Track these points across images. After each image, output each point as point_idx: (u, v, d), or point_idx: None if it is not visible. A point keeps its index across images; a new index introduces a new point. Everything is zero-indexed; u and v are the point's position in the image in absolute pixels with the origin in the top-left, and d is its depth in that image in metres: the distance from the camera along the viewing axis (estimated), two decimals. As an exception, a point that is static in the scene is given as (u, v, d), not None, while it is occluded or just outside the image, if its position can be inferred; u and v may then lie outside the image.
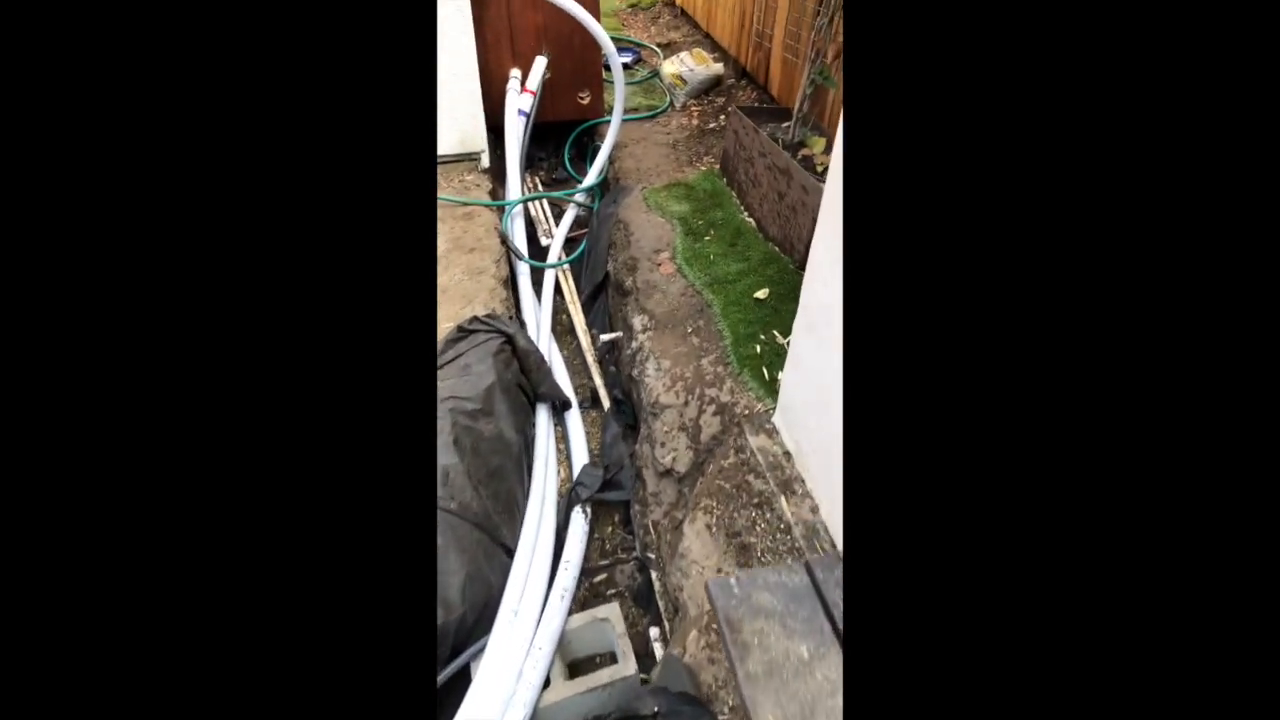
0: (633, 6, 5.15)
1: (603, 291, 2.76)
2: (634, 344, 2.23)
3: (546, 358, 2.40)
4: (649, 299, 2.29)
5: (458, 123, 2.92)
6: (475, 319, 2.13)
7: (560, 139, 3.71)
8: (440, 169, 2.97)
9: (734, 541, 1.49)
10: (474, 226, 2.65)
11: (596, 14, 3.23)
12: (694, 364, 1.98)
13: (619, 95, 2.99)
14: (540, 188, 3.48)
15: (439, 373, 2.02)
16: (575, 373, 2.54)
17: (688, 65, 3.81)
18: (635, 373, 2.17)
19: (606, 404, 2.39)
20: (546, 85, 3.34)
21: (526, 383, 2.22)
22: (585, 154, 3.72)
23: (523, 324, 2.55)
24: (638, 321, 2.26)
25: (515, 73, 3.28)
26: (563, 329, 2.77)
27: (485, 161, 3.02)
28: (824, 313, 1.30)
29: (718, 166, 2.99)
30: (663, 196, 2.78)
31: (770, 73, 3.29)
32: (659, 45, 4.45)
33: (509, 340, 2.15)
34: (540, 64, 3.24)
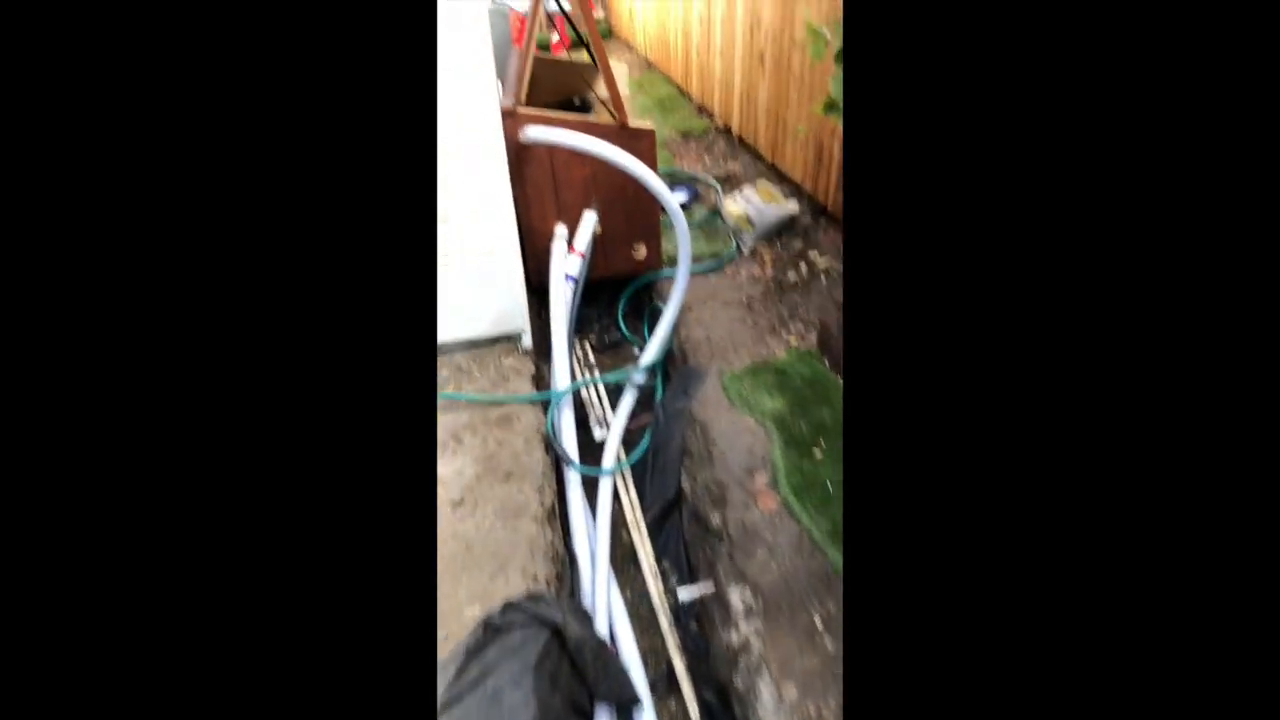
0: (683, 135, 4.85)
1: (674, 510, 2.15)
2: (733, 634, 1.58)
3: (605, 605, 1.77)
4: (748, 557, 1.66)
5: (494, 299, 2.46)
6: (510, 606, 1.54)
7: (613, 295, 3.24)
8: (474, 354, 2.49)
9: None
10: (512, 436, 2.11)
11: (653, 162, 2.82)
12: (834, 691, 1.32)
13: (683, 257, 2.50)
14: (590, 354, 2.97)
15: (456, 701, 1.41)
16: (642, 628, 1.90)
17: (754, 203, 3.36)
18: (739, 683, 1.51)
19: (692, 705, 1.72)
20: (597, 240, 2.90)
21: (580, 687, 1.59)
22: (641, 311, 3.23)
23: (573, 559, 1.95)
24: (736, 596, 1.62)
25: (561, 230, 2.85)
26: (623, 552, 2.16)
27: (527, 341, 2.53)
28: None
29: (813, 339, 2.43)
30: (748, 385, 2.22)
31: (861, 216, 2.78)
32: (717, 179, 4.05)
33: (557, 632, 1.55)
34: (589, 220, 2.81)
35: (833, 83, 1.70)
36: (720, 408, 2.15)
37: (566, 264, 2.70)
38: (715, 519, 1.84)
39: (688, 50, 5.20)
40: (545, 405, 2.33)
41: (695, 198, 3.91)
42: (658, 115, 5.34)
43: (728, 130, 4.54)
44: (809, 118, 3.14)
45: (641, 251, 3.05)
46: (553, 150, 2.69)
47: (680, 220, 2.42)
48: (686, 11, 5.05)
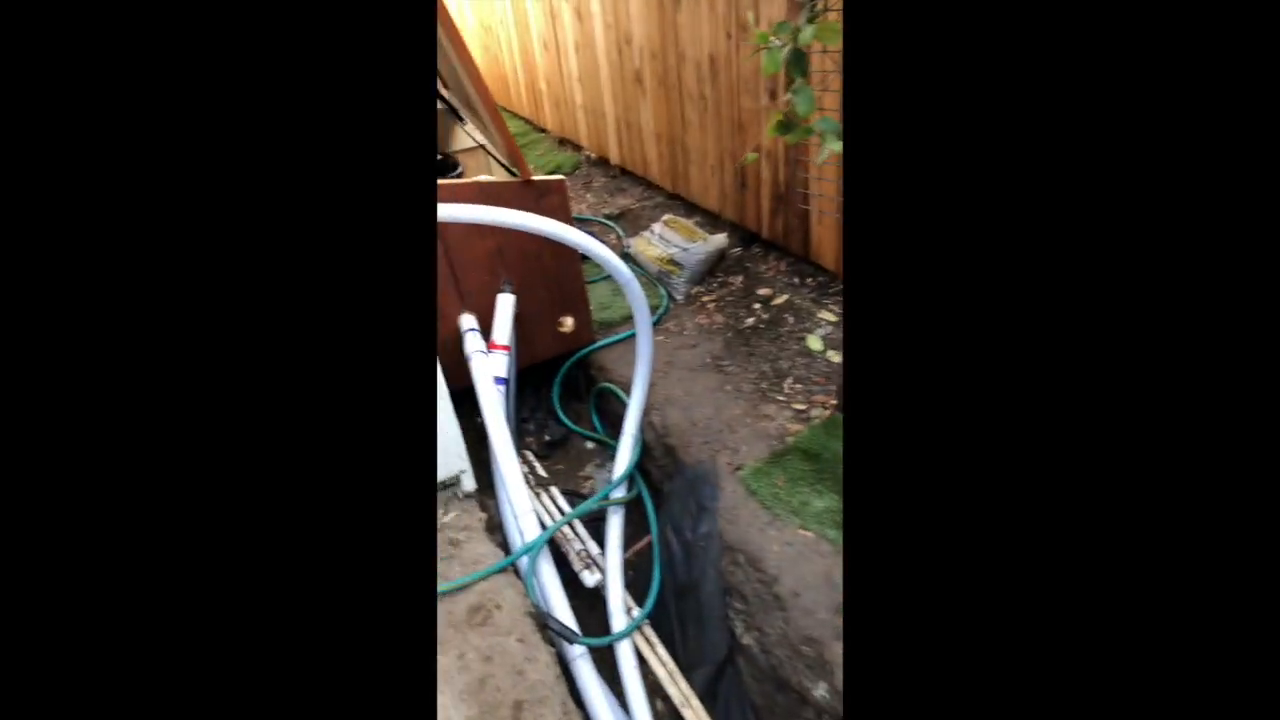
0: (550, 173, 4.35)
1: (730, 666, 1.66)
2: None
3: None
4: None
5: (414, 440, 1.82)
6: None
7: (540, 384, 2.67)
8: (400, 520, 1.83)
9: None
10: (500, 639, 1.50)
11: (568, 219, 2.31)
12: None
13: (641, 322, 2.00)
14: (535, 465, 2.38)
15: None
16: None
17: (672, 241, 2.94)
18: None
19: None
20: (517, 325, 2.34)
21: None
22: (579, 393, 2.69)
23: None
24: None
25: (469, 321, 2.26)
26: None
27: (469, 483, 1.91)
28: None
29: (824, 398, 2.04)
30: (779, 481, 1.77)
31: (815, 237, 2.45)
32: (610, 218, 3.60)
33: None
34: (506, 304, 2.24)
35: (796, 98, 1.32)
36: (756, 520, 1.69)
37: (490, 364, 2.12)
38: (820, 689, 1.36)
39: (532, 80, 4.72)
40: (516, 568, 1.75)
41: (594, 244, 3.43)
42: (513, 155, 4.80)
43: (603, 161, 4.10)
44: (735, 142, 2.77)
45: (568, 324, 2.52)
46: (444, 227, 2.09)
47: (632, 283, 1.93)
48: (523, 39, 4.57)
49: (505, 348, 2.19)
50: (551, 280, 2.39)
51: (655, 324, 2.70)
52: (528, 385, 2.67)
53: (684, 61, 2.84)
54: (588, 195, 3.95)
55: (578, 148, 4.42)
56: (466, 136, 3.09)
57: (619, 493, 2.03)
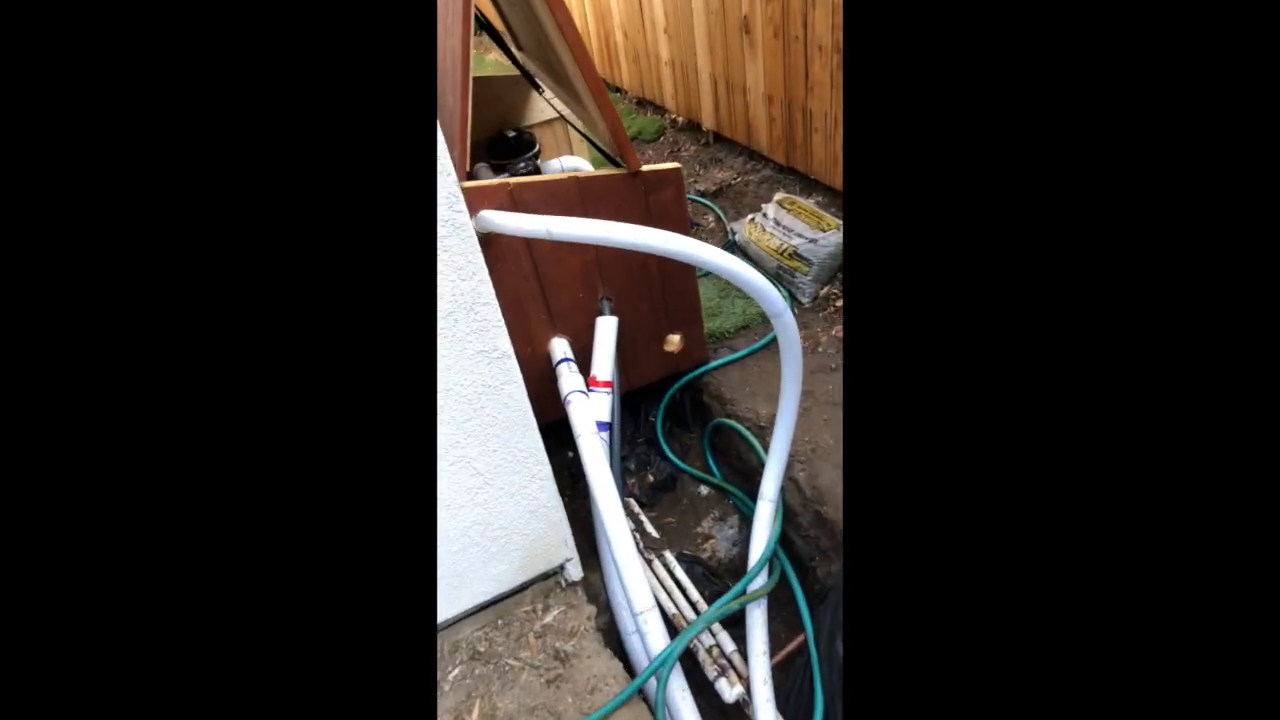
0: (631, 140, 3.86)
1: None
2: None
3: None
4: None
5: (517, 523, 1.43)
6: None
7: (639, 408, 2.25)
8: (490, 626, 1.45)
9: None
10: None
11: (683, 214, 1.84)
12: None
13: (791, 360, 1.53)
14: (643, 520, 1.98)
15: None
16: None
17: (793, 229, 2.43)
18: None
19: None
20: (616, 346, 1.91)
21: None
22: (685, 418, 2.26)
23: None
24: None
25: (561, 348, 1.84)
26: None
27: (575, 571, 1.52)
28: None
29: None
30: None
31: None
32: (708, 198, 3.09)
33: None
34: (609, 329, 1.80)
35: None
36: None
37: (592, 407, 1.70)
38: None
39: (605, 31, 4.18)
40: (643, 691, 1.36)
41: (690, 229, 2.94)
42: (585, 119, 4.31)
43: (693, 126, 3.57)
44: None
45: (675, 342, 2.07)
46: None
47: (785, 314, 1.45)
48: (596, -17, 4.02)
49: (607, 384, 1.77)
50: (658, 290, 1.94)
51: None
52: (625, 411, 2.26)
53: (813, 4, 2.28)
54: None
55: (661, 110, 3.89)
56: (544, 106, 2.62)
57: (759, 580, 1.60)
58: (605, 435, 1.74)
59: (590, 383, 1.75)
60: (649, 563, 1.84)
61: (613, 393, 1.77)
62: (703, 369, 2.16)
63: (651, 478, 2.13)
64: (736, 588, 1.54)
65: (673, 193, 1.76)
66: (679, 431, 2.28)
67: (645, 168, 1.70)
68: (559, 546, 1.45)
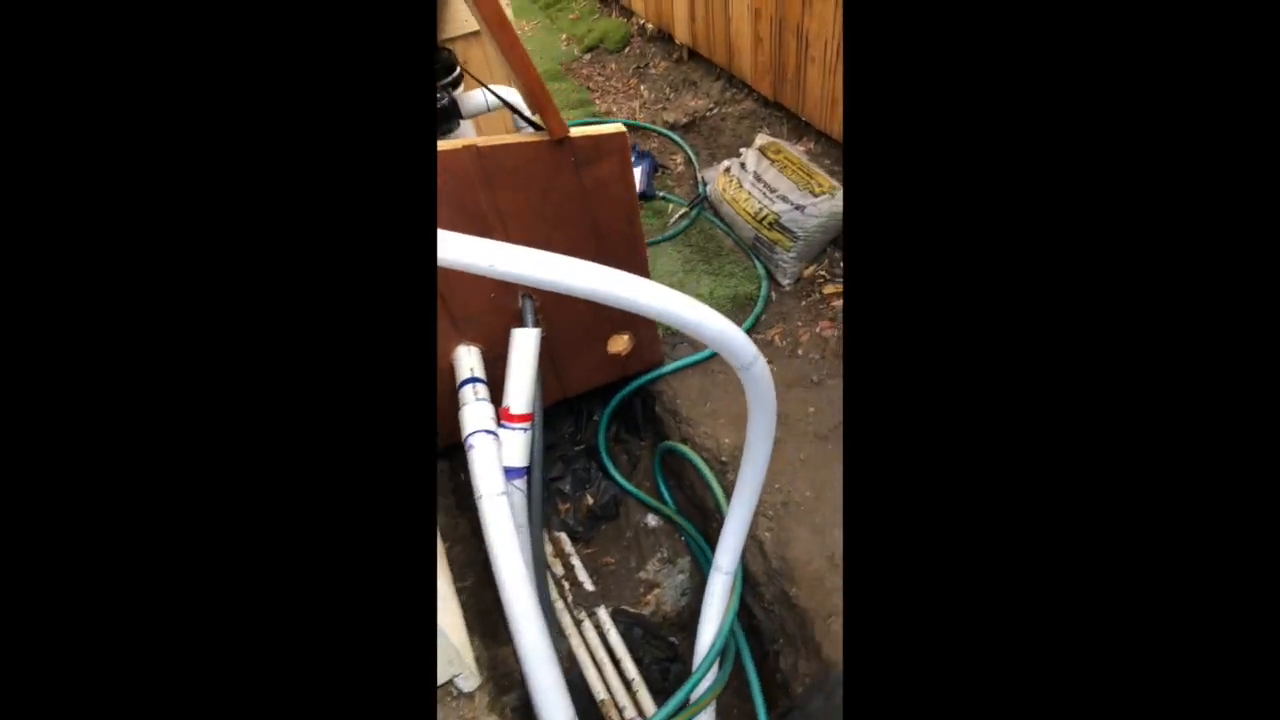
0: (589, 50, 3.23)
1: None
2: None
3: None
4: None
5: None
6: None
7: (582, 414, 1.88)
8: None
9: None
10: None
11: (631, 207, 1.40)
12: None
13: (762, 416, 1.16)
14: (573, 558, 1.65)
15: None
16: None
17: (777, 190, 1.97)
18: None
19: None
20: (546, 348, 1.51)
21: None
22: (636, 424, 1.89)
23: None
24: None
25: (468, 358, 1.44)
26: None
27: (467, 682, 1.18)
28: None
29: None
30: None
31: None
32: (676, 131, 2.59)
33: None
34: (527, 345, 1.39)
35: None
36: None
37: (500, 452, 1.32)
38: None
39: (565, -93, 3.46)
40: None
41: (654, 171, 2.45)
42: (538, 14, 3.65)
43: (664, 37, 2.98)
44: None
45: (623, 342, 1.67)
46: (415, 227, 1.21)
47: (754, 366, 1.06)
48: None
49: (525, 418, 1.38)
50: (599, 285, 1.51)
51: (750, 328, 1.83)
52: (561, 417, 1.88)
53: (818, -113, 1.73)
54: (641, 87, 2.89)
55: (628, 13, 3.26)
56: (469, 14, 2.06)
57: (707, 681, 1.29)
58: (520, 484, 1.38)
59: (503, 415, 1.36)
60: (578, 624, 1.53)
61: (531, 428, 1.39)
62: (656, 373, 1.77)
63: (590, 500, 1.79)
64: (678, 696, 1.23)
65: (614, 165, 1.31)
66: (628, 438, 1.92)
67: (576, 131, 1.24)
68: (445, 664, 1.12)
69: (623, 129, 1.28)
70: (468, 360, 1.47)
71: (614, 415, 1.87)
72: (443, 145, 1.17)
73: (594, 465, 1.84)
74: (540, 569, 1.43)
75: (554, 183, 1.28)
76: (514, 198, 1.27)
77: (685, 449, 1.62)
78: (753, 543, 1.41)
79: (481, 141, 1.19)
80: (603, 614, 1.53)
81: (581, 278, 0.89)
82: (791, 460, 1.48)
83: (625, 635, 1.50)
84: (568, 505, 1.78)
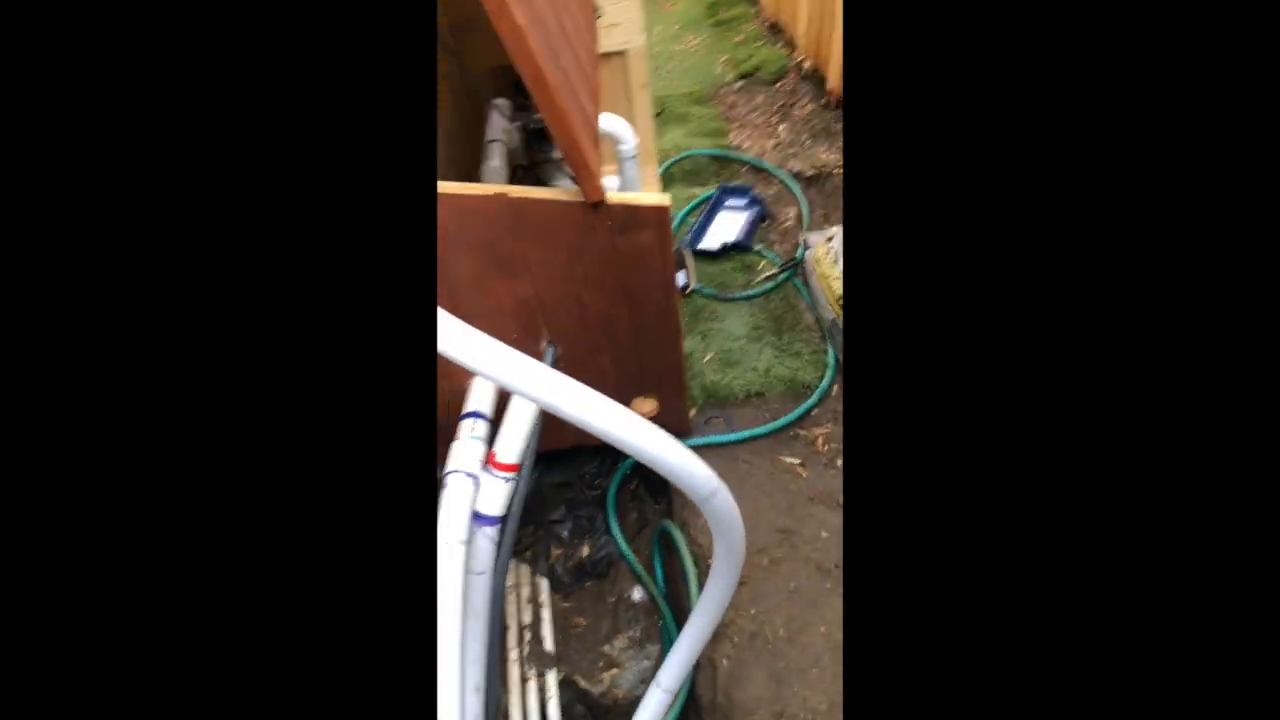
0: (744, 78, 3.13)
1: None
2: None
3: None
4: None
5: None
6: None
7: (604, 463, 1.83)
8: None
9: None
10: None
11: (668, 278, 1.32)
12: None
13: (727, 556, 1.06)
14: (543, 609, 1.61)
15: None
16: None
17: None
18: None
19: None
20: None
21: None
22: (655, 484, 1.81)
23: None
24: None
25: (480, 394, 1.44)
26: None
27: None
28: None
29: None
30: None
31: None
32: (801, 180, 2.44)
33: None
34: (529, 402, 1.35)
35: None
36: None
37: (480, 492, 1.30)
38: None
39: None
40: None
41: (760, 221, 2.33)
42: (707, 30, 3.58)
43: (818, 79, 2.82)
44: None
45: (648, 405, 1.60)
46: (440, 238, 1.22)
47: (714, 499, 0.96)
48: None
49: (512, 468, 1.35)
50: (626, 346, 1.45)
51: (802, 416, 1.68)
52: (585, 457, 1.84)
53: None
54: (780, 127, 2.75)
55: (791, 45, 3.12)
56: (605, 32, 2.04)
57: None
58: (492, 532, 1.35)
59: (490, 459, 1.34)
60: (524, 681, 1.49)
61: (517, 479, 1.35)
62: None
63: (585, 552, 1.74)
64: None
65: (652, 236, 1.23)
66: (645, 497, 1.85)
67: (614, 197, 1.18)
68: None
69: (666, 203, 1.20)
70: (478, 393, 1.47)
71: (637, 469, 1.81)
72: (473, 190, 1.15)
73: (600, 516, 1.78)
74: (496, 618, 1.41)
75: (587, 243, 1.23)
76: (543, 252, 1.24)
77: (677, 535, 1.53)
78: (707, 664, 1.30)
79: (515, 191, 1.16)
80: (551, 679, 1.49)
81: (548, 393, 0.86)
82: (780, 588, 1.35)
83: (566, 710, 1.45)
84: (560, 552, 1.74)
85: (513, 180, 1.94)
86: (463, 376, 1.48)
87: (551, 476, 1.84)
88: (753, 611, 1.31)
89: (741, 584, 1.36)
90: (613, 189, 2.18)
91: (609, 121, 1.87)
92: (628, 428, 0.90)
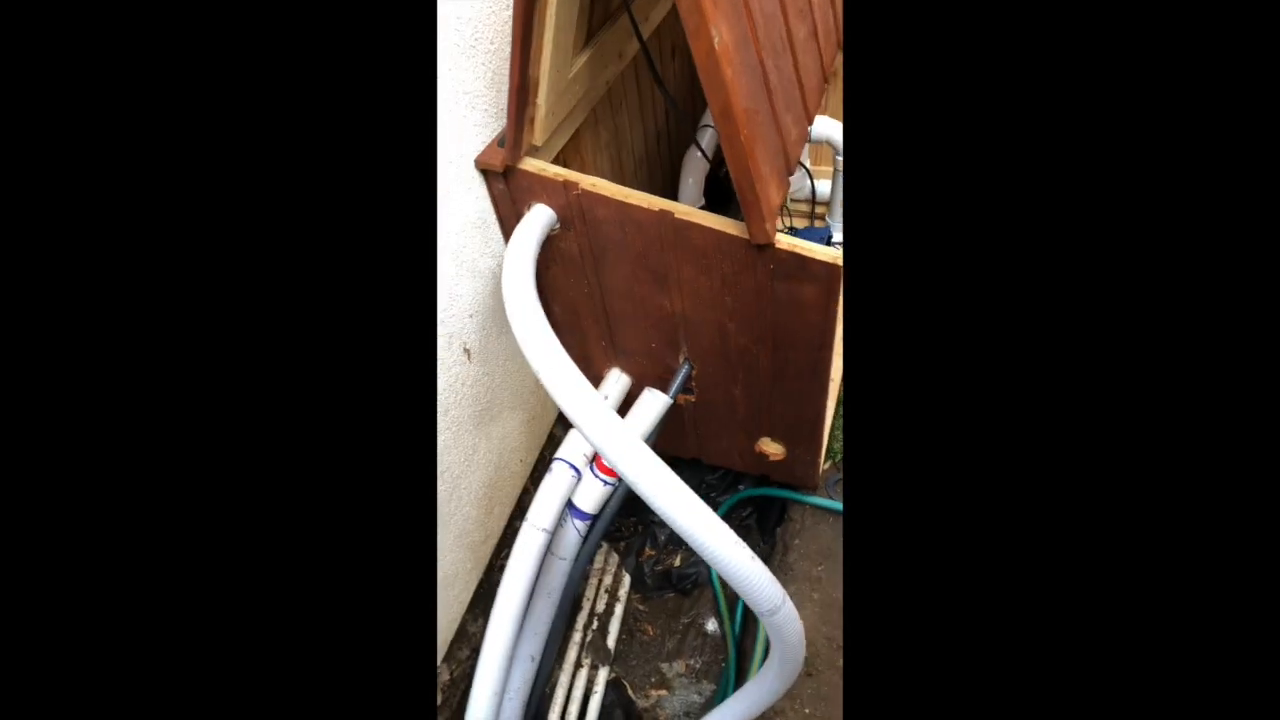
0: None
1: None
2: None
3: None
4: None
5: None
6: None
7: (729, 476, 1.77)
8: None
9: None
10: None
11: (827, 338, 1.20)
12: None
13: (780, 670, 0.98)
14: (617, 605, 1.63)
15: None
16: None
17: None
18: None
19: None
20: (693, 411, 1.45)
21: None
22: (769, 523, 1.73)
23: None
24: None
25: (614, 385, 1.45)
26: None
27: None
28: None
29: None
30: None
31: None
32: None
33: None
34: (652, 406, 1.34)
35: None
36: None
37: (580, 487, 1.33)
38: None
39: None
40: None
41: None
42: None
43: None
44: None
45: (775, 449, 1.51)
46: (590, 239, 1.22)
47: (777, 613, 0.89)
48: None
49: (614, 474, 1.35)
50: (763, 386, 1.36)
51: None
52: (690, 466, 1.80)
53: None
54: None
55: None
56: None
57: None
58: (581, 525, 1.37)
59: (597, 460, 1.35)
60: (577, 667, 1.54)
61: (617, 485, 1.35)
62: (793, 495, 1.57)
63: (676, 562, 1.72)
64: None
65: (818, 292, 1.11)
66: (755, 529, 1.77)
67: (783, 242, 1.07)
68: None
69: (838, 262, 1.07)
70: (608, 387, 1.47)
71: (755, 499, 1.73)
72: (639, 201, 1.11)
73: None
74: (567, 601, 1.45)
75: (741, 278, 1.15)
76: (696, 274, 1.18)
77: (765, 592, 1.44)
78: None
79: (679, 212, 1.10)
80: (601, 675, 1.52)
81: (635, 468, 0.85)
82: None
83: (605, 710, 1.48)
84: (652, 553, 1.74)
85: (711, 181, 1.87)
86: (602, 364, 1.49)
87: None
88: (807, 711, 1.22)
89: (807, 674, 1.27)
90: (820, 193, 2.01)
91: (827, 127, 1.71)
92: (703, 525, 0.85)
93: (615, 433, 0.87)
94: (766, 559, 1.64)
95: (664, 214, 1.11)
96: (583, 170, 1.44)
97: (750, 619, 1.60)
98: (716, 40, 0.87)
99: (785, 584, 1.43)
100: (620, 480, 1.39)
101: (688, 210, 1.11)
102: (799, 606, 1.39)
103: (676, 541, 1.76)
